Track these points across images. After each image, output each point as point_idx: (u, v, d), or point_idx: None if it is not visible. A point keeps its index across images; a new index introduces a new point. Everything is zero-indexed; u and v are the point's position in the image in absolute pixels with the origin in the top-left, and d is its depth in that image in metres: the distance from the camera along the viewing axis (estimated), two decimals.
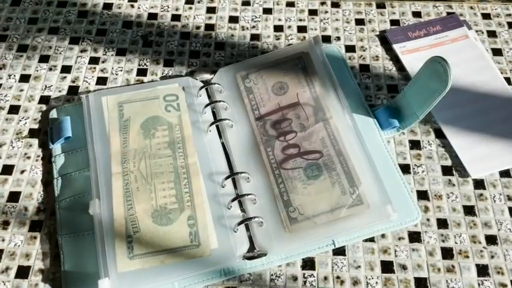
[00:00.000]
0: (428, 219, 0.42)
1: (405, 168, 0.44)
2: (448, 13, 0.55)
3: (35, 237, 0.41)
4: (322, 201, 0.40)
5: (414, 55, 0.52)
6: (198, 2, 0.56)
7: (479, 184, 0.44)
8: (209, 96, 0.48)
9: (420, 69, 0.43)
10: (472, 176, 0.44)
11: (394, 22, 0.55)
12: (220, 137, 0.45)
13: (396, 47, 0.52)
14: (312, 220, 0.40)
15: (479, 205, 0.43)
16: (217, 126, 0.46)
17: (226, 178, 0.42)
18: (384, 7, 0.56)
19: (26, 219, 0.42)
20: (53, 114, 0.47)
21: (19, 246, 0.40)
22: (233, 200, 0.41)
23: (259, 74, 0.48)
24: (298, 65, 0.48)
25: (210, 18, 0.55)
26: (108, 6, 0.55)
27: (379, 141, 0.45)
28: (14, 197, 0.43)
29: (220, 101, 0.47)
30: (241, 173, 0.42)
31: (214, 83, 0.48)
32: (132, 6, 0.55)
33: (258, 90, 0.47)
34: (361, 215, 0.39)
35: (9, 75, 0.50)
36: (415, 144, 0.46)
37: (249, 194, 0.41)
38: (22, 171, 0.44)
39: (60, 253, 0.39)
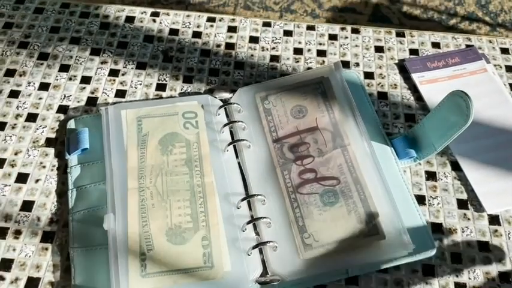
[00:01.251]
0: (442, 253, 0.41)
1: (420, 199, 0.44)
2: (467, 46, 0.56)
3: (47, 249, 0.40)
4: (337, 228, 0.40)
5: (432, 85, 0.52)
6: (220, 21, 0.56)
7: (494, 220, 0.43)
8: (227, 116, 0.48)
9: (441, 101, 0.43)
10: (488, 212, 0.44)
11: (413, 51, 0.55)
12: (237, 156, 0.45)
13: (415, 76, 0.52)
14: (327, 248, 0.39)
15: (494, 241, 0.42)
16: (234, 146, 0.46)
17: (242, 200, 0.41)
18: (404, 36, 0.56)
19: (38, 230, 0.41)
20: (71, 124, 0.47)
21: (30, 256, 0.40)
22: (248, 222, 0.40)
23: (279, 96, 0.48)
24: (318, 90, 0.49)
25: (230, 37, 0.55)
26: (130, 19, 0.56)
27: (396, 170, 0.44)
28: (27, 206, 0.43)
29: (238, 121, 0.47)
30: (257, 195, 0.42)
31: (234, 103, 0.48)
32: (154, 20, 0.56)
33: (277, 112, 0.47)
34: (377, 246, 0.39)
35: (29, 83, 0.50)
36: (431, 176, 0.46)
37: (264, 218, 0.41)
38: (37, 181, 0.44)
39: (71, 266, 0.39)
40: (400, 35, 0.56)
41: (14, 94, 0.49)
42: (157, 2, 1.33)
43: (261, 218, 0.41)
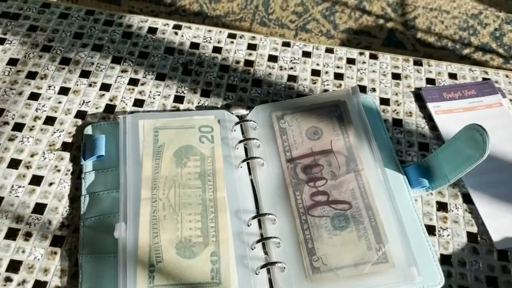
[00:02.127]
0: (450, 286, 0.41)
1: (431, 230, 0.44)
2: (484, 79, 0.56)
3: (55, 253, 0.41)
4: (347, 253, 0.40)
5: (448, 116, 0.52)
6: (240, 37, 0.57)
7: (503, 256, 0.43)
8: (243, 132, 0.48)
9: (457, 133, 0.43)
10: (497, 247, 0.43)
11: (429, 81, 0.55)
12: (250, 173, 0.46)
13: (430, 105, 0.53)
14: (335, 272, 0.39)
15: (502, 278, 0.42)
16: (248, 163, 0.46)
17: (253, 218, 0.42)
18: (421, 65, 0.57)
19: (49, 233, 0.42)
20: (88, 130, 0.47)
21: (38, 259, 0.40)
22: (258, 241, 0.40)
23: (295, 117, 0.49)
24: (334, 112, 0.49)
25: (250, 54, 0.56)
26: (152, 30, 0.57)
27: (408, 199, 0.44)
28: (39, 208, 0.43)
29: (253, 139, 0.47)
30: (268, 214, 0.42)
31: (250, 120, 0.48)
32: (176, 33, 0.57)
33: (292, 132, 0.48)
34: (385, 274, 0.39)
35: (49, 86, 0.51)
36: (442, 206, 0.46)
37: (274, 238, 0.41)
38: (50, 184, 0.44)
39: (79, 272, 0.39)
40: (417, 63, 0.57)
41: (34, 96, 0.50)
42: (176, 12, 1.35)
43: (270, 237, 0.41)
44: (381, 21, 1.42)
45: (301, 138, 0.47)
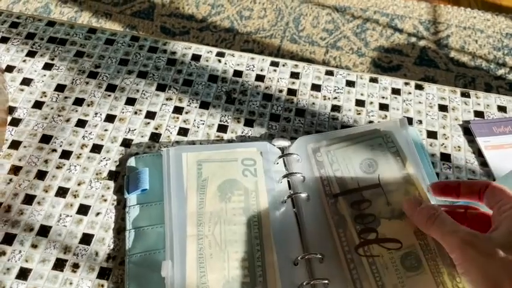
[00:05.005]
0: None
1: None
2: None
3: (103, 286, 0.41)
4: None
5: (498, 152, 0.50)
6: (283, 66, 0.57)
7: None
8: (285, 164, 0.48)
9: (508, 173, 0.42)
10: None
11: (478, 113, 0.54)
12: (294, 207, 0.45)
13: (480, 140, 0.51)
14: None
15: None
16: (292, 198, 0.45)
17: (302, 258, 0.41)
18: (469, 96, 0.55)
19: (95, 265, 0.42)
20: (131, 162, 0.47)
21: None
22: (306, 283, 0.39)
23: (332, 148, 0.48)
24: (387, 145, 0.48)
25: (293, 83, 0.55)
26: (196, 57, 0.57)
27: None
28: (86, 239, 0.43)
29: (297, 173, 0.46)
30: (315, 254, 0.41)
31: (293, 154, 0.48)
32: (219, 61, 0.57)
33: (331, 166, 0.47)
34: None
35: (96, 113, 0.51)
36: None
37: (323, 279, 0.40)
38: (97, 214, 0.44)
39: None
40: (465, 95, 0.55)
41: (81, 123, 0.50)
42: (207, 29, 1.36)
43: (319, 279, 0.40)
44: (413, 39, 1.40)
45: (341, 171, 0.46)
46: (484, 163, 0.50)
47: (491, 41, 1.40)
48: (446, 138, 0.52)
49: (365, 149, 0.47)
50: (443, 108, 0.54)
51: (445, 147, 0.51)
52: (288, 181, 0.47)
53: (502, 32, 1.42)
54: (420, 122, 0.53)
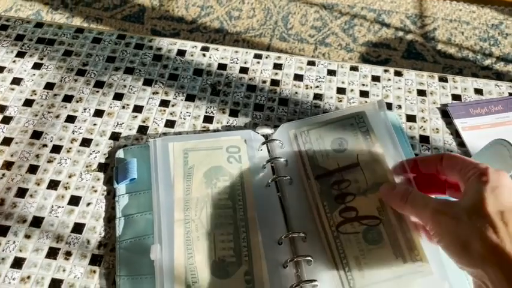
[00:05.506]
0: None
1: None
2: (510, 94, 0.56)
3: (95, 271, 0.42)
4: (381, 268, 0.40)
5: (475, 132, 0.52)
6: (266, 58, 0.59)
7: None
8: (269, 151, 0.49)
9: (482, 148, 0.43)
10: None
11: (455, 97, 0.56)
12: (278, 191, 0.47)
13: (457, 122, 0.53)
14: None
15: None
16: (275, 182, 0.47)
17: (285, 237, 0.42)
18: (446, 81, 0.57)
19: (87, 252, 0.43)
20: (120, 154, 0.49)
21: (78, 278, 0.42)
22: (290, 260, 0.41)
23: (311, 132, 0.49)
24: (358, 125, 0.49)
25: (276, 74, 0.57)
26: (181, 52, 0.58)
27: None
28: (78, 228, 0.45)
29: (280, 158, 0.48)
30: (298, 232, 0.43)
31: (275, 139, 0.49)
32: (204, 55, 0.58)
33: (312, 148, 0.48)
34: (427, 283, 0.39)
35: (85, 109, 0.53)
36: None
37: (306, 256, 0.41)
38: (88, 204, 0.46)
39: None
40: (442, 79, 0.57)
41: (70, 119, 0.52)
42: (197, 30, 1.37)
43: (302, 256, 0.41)
44: (400, 33, 1.42)
45: (321, 153, 0.48)
46: (461, 143, 0.52)
47: (477, 33, 1.42)
48: (425, 121, 0.53)
49: (337, 129, 0.49)
50: (421, 92, 0.56)
51: (423, 129, 0.53)
52: (272, 166, 0.48)
53: (487, 23, 1.45)
54: (400, 106, 0.55)
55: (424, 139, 0.52)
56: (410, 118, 0.54)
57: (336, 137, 0.48)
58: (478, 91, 0.56)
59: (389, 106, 0.54)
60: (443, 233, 0.35)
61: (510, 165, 0.41)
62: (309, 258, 0.41)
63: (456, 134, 0.52)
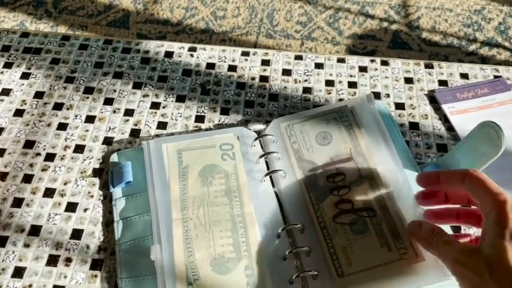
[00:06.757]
0: None
1: (456, 228, 0.45)
2: (495, 76, 0.57)
3: (96, 276, 0.42)
4: (367, 257, 0.41)
5: (463, 116, 0.53)
6: (253, 54, 0.59)
7: None
8: (262, 146, 0.50)
9: (471, 131, 0.44)
10: None
11: (442, 82, 0.57)
12: (273, 185, 0.47)
13: (445, 107, 0.54)
14: (363, 276, 0.40)
15: None
16: (270, 176, 0.47)
17: (283, 230, 0.43)
18: (432, 67, 0.58)
19: (88, 257, 0.43)
20: (114, 158, 0.49)
21: (80, 284, 0.42)
22: (289, 252, 0.42)
23: (302, 126, 0.50)
24: (341, 119, 0.50)
25: (264, 70, 0.58)
26: (169, 54, 0.59)
27: None
28: (76, 234, 0.45)
29: (273, 152, 0.48)
30: (295, 224, 0.43)
31: (267, 134, 0.50)
32: (192, 55, 0.59)
33: (302, 141, 0.49)
34: (414, 272, 0.40)
35: (76, 116, 0.53)
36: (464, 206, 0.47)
37: (303, 247, 0.42)
38: (85, 210, 0.46)
39: None
40: (428, 66, 0.58)
41: (62, 126, 0.52)
42: (183, 31, 1.38)
43: (300, 247, 0.42)
44: (385, 24, 1.43)
45: (311, 146, 0.48)
46: (450, 128, 0.52)
47: (461, 19, 1.44)
48: (413, 108, 0.54)
49: (320, 123, 0.50)
50: (408, 80, 0.57)
51: (412, 116, 0.54)
52: (266, 161, 0.49)
53: (470, 9, 1.46)
54: (388, 95, 0.55)
55: (414, 126, 0.53)
56: (399, 106, 0.54)
57: (320, 131, 0.49)
58: (464, 76, 0.57)
59: (377, 95, 0.55)
60: (464, 284, 0.34)
61: (498, 146, 0.41)
62: (307, 248, 0.42)
63: (445, 119, 0.53)
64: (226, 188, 0.46)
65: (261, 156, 0.48)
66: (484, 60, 1.33)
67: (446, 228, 0.44)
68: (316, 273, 0.41)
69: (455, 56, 1.34)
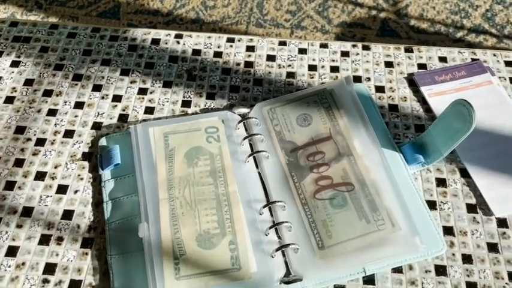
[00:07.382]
0: (453, 254, 0.44)
1: (431, 204, 0.47)
2: (473, 59, 0.59)
3: (87, 254, 0.44)
4: (349, 230, 0.43)
5: (440, 98, 0.55)
6: (239, 41, 0.61)
7: (502, 223, 0.46)
8: (246, 129, 0.52)
9: (445, 109, 0.46)
10: (496, 215, 0.46)
11: (421, 66, 0.58)
12: (257, 166, 0.49)
13: (423, 89, 0.56)
14: (342, 247, 0.42)
15: (503, 243, 0.45)
16: (254, 157, 0.49)
17: (264, 206, 0.45)
18: (412, 51, 0.60)
19: (78, 236, 0.45)
20: (102, 142, 0.51)
21: (71, 261, 0.44)
22: (270, 227, 0.44)
23: (284, 108, 0.52)
24: (321, 101, 0.52)
25: (249, 56, 0.59)
26: (156, 41, 0.60)
27: (406, 175, 0.47)
28: (67, 214, 0.46)
29: (256, 134, 0.50)
30: (277, 201, 0.45)
31: (251, 117, 0.51)
32: (178, 42, 0.60)
33: (284, 123, 0.51)
34: (391, 243, 0.42)
35: (65, 102, 0.54)
36: (441, 182, 0.49)
37: (285, 222, 0.44)
38: (75, 191, 0.48)
39: (110, 272, 0.42)
40: (408, 50, 0.60)
41: (52, 112, 0.53)
42: (173, 22, 1.38)
43: (281, 222, 0.44)
44: (374, 12, 1.45)
45: (293, 127, 0.50)
46: (428, 109, 0.54)
47: (448, 6, 1.45)
48: (393, 91, 0.56)
49: (301, 106, 0.52)
50: (389, 64, 0.59)
51: (392, 99, 0.55)
52: (250, 143, 0.51)
53: None
54: (368, 79, 0.57)
55: (393, 108, 0.55)
56: (379, 89, 0.56)
57: (301, 113, 0.51)
58: (443, 59, 0.59)
59: (359, 79, 0.57)
60: None
61: (470, 123, 0.43)
62: (288, 224, 0.44)
63: (423, 101, 0.55)
64: (211, 169, 0.48)
65: (244, 138, 0.50)
66: (471, 46, 1.35)
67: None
68: (297, 246, 0.43)
69: (442, 44, 1.35)
